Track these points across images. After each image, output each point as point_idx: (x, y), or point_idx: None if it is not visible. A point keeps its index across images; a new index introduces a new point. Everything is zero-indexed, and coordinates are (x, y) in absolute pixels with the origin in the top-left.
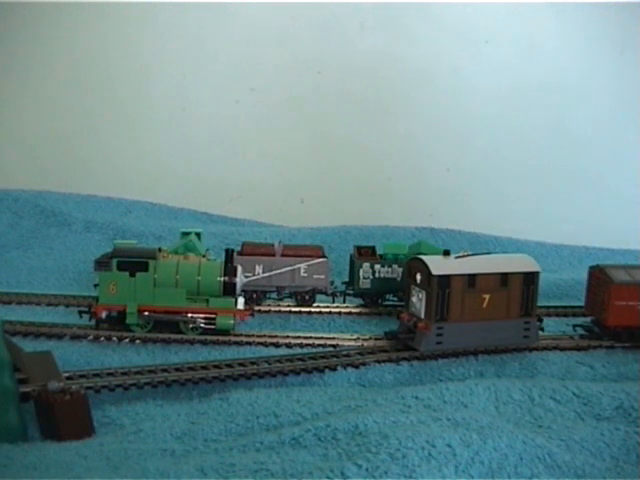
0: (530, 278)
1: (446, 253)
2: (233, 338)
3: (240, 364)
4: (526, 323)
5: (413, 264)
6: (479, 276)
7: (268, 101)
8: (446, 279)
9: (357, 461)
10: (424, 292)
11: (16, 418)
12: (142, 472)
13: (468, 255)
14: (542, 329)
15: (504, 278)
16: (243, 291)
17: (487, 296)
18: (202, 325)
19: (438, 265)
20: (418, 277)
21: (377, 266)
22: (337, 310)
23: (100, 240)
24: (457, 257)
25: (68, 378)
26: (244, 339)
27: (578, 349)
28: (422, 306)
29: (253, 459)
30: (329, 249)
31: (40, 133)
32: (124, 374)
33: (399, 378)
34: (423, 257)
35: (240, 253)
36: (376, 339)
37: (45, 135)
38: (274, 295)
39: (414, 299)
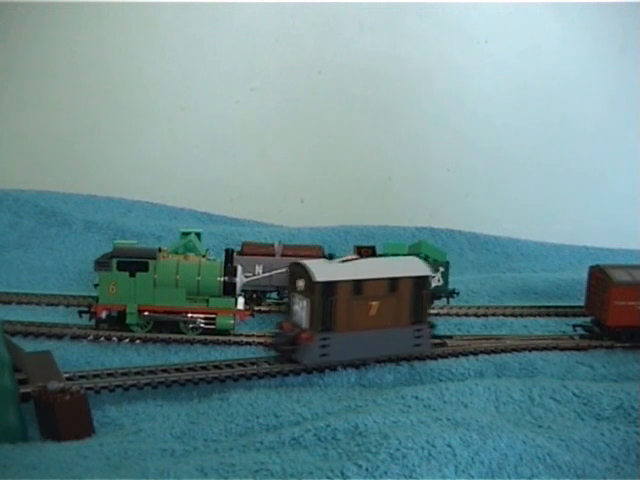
0: (421, 282)
1: (331, 257)
2: (233, 338)
3: (240, 364)
4: (417, 331)
5: (294, 269)
6: (366, 282)
7: (268, 101)
8: (330, 286)
9: (357, 461)
10: (307, 300)
11: (16, 418)
12: (142, 472)
13: (354, 259)
14: (439, 336)
15: (393, 283)
16: (243, 291)
17: (375, 303)
18: (202, 325)
19: (321, 270)
20: (300, 284)
21: None
22: None
23: (100, 240)
24: (342, 261)
25: (68, 378)
26: (244, 339)
27: (578, 349)
28: (305, 315)
29: (253, 459)
30: (329, 249)
31: (40, 133)
32: (124, 374)
33: (399, 378)
34: (305, 262)
35: (240, 253)
36: None
37: (45, 135)
38: (274, 295)
39: (296, 307)
